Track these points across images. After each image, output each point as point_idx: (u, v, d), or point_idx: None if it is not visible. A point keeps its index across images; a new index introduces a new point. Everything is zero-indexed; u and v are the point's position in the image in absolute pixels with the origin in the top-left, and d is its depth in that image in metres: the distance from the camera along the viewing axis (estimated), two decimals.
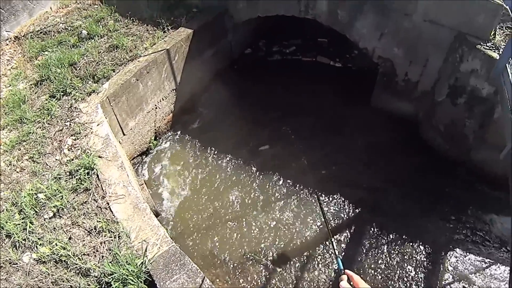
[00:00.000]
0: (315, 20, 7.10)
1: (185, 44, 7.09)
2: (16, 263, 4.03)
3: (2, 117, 5.79)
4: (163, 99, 7.08)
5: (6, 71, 6.79)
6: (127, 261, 3.82)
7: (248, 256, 5.64)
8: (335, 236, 5.84)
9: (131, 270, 3.73)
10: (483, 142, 5.92)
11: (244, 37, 8.97)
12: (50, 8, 8.11)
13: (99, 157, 5.02)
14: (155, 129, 7.18)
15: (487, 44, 5.51)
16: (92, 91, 5.99)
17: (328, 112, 7.62)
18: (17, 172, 5.01)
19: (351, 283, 1.84)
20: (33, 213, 4.44)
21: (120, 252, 3.96)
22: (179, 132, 7.53)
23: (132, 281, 3.69)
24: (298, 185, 6.48)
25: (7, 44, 7.38)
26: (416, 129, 7.11)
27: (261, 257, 5.62)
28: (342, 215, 6.10)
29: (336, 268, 5.39)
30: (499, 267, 5.45)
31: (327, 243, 5.73)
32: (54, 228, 4.33)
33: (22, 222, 4.35)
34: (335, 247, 2.37)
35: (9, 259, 4.06)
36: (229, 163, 6.90)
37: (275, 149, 7.07)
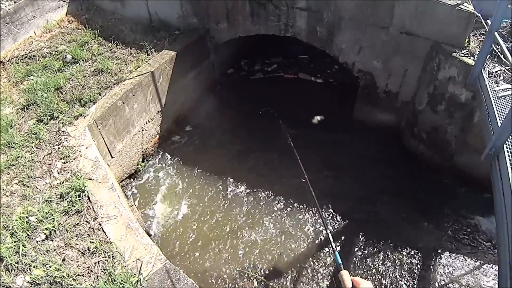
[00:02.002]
0: (295, 37, 7.29)
1: (169, 66, 7.19)
2: (10, 286, 3.97)
3: None
4: (149, 121, 7.13)
5: None
6: (122, 280, 3.82)
7: (241, 272, 5.65)
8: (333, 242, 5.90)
9: None
10: (465, 146, 6.10)
11: (226, 57, 9.11)
12: (34, 32, 8.13)
13: (89, 179, 5.02)
14: (142, 151, 7.20)
15: (463, 52, 5.75)
16: (79, 114, 6.00)
17: (312, 127, 7.75)
18: (7, 196, 4.95)
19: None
20: (25, 236, 4.39)
21: (115, 271, 3.95)
22: (166, 154, 7.55)
23: None
24: (288, 200, 6.56)
25: None
26: (400, 138, 7.29)
27: (254, 272, 5.63)
28: (332, 227, 6.17)
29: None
30: (488, 266, 5.59)
31: (326, 249, 5.79)
32: (47, 250, 4.28)
33: (14, 245, 4.29)
34: (332, 241, 2.40)
35: (2, 282, 3.99)
36: (216, 182, 6.94)
37: (265, 166, 7.15)
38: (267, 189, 6.76)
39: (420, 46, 6.15)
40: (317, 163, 6.97)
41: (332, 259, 5.69)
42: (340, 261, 2.07)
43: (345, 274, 1.86)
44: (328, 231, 2.43)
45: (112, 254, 4.17)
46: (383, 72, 6.81)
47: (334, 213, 6.33)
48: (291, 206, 6.49)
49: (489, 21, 5.46)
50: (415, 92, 6.70)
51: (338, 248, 5.92)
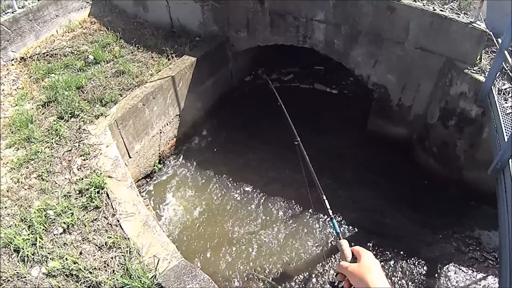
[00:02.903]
0: (312, 48, 7.43)
1: (189, 72, 7.35)
2: (25, 277, 4.06)
3: (9, 136, 5.88)
4: (167, 124, 7.28)
5: (11, 91, 6.91)
6: (138, 275, 3.93)
7: (253, 274, 5.75)
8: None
9: (143, 282, 3.84)
10: (474, 161, 6.16)
11: (243, 65, 9.26)
12: (56, 31, 8.32)
13: (109, 177, 5.16)
14: (159, 153, 7.34)
15: (474, 68, 5.84)
16: (100, 114, 6.16)
17: (327, 136, 7.86)
18: (25, 189, 5.07)
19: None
20: (42, 229, 4.49)
21: (131, 266, 4.06)
22: (182, 156, 7.70)
23: None
24: (300, 207, 6.68)
25: (13, 65, 7.53)
26: (410, 151, 7.38)
27: (265, 275, 5.73)
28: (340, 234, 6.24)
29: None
30: (491, 279, 5.65)
31: (335, 256, 5.89)
32: (64, 243, 4.39)
33: (31, 237, 4.39)
34: (328, 207, 2.20)
35: (17, 272, 4.08)
36: (230, 186, 7.08)
37: (278, 172, 7.27)
38: (281, 194, 6.88)
39: (434, 62, 6.25)
40: (328, 172, 7.06)
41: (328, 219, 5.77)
42: (338, 230, 1.90)
43: (344, 243, 1.68)
44: (324, 197, 2.26)
45: (129, 250, 4.27)
46: (397, 86, 6.91)
47: (342, 220, 6.44)
48: (302, 212, 6.60)
49: (499, 40, 5.56)
50: (427, 106, 6.79)
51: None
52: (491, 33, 5.74)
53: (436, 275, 5.74)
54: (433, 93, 6.57)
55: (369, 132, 7.81)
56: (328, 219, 5.10)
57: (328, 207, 2.16)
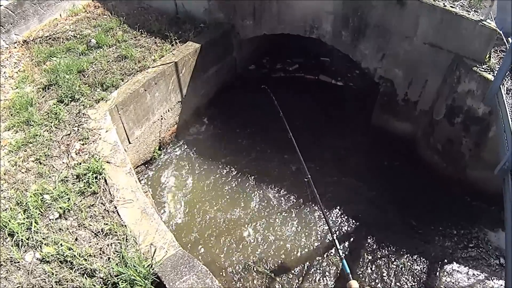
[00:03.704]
0: (319, 39, 7.32)
1: (192, 58, 7.25)
2: (18, 262, 4.00)
3: (9, 118, 5.82)
4: (168, 111, 7.20)
5: (13, 73, 6.83)
6: (134, 263, 3.87)
7: (250, 265, 5.71)
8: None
9: (139, 271, 3.77)
10: (479, 160, 6.10)
11: (248, 54, 9.16)
12: (60, 15, 8.21)
13: (107, 162, 5.09)
14: (159, 140, 7.28)
15: (483, 67, 5.76)
16: (100, 98, 6.08)
17: (330, 129, 7.79)
18: (22, 172, 5.01)
19: None
20: (38, 213, 4.43)
21: (127, 254, 4.00)
22: (183, 144, 7.63)
23: (140, 282, 3.73)
24: (300, 199, 6.61)
25: (15, 47, 7.44)
26: (415, 147, 7.29)
27: (263, 267, 5.69)
28: (341, 230, 6.21)
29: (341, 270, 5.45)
30: (493, 281, 5.61)
31: (332, 251, 5.84)
32: (60, 229, 4.34)
33: (27, 222, 4.33)
34: (339, 247, 2.26)
35: (11, 257, 4.03)
36: (230, 175, 7.01)
37: (278, 164, 7.21)
38: (281, 185, 6.83)
39: (442, 58, 6.16)
40: (330, 166, 7.04)
41: (338, 260, 5.74)
42: (348, 270, 1.99)
43: (354, 284, 1.75)
44: (336, 238, 2.27)
45: (126, 238, 4.21)
46: (404, 81, 6.82)
47: (344, 215, 6.40)
48: (303, 205, 6.55)
49: (510, 39, 5.54)
50: (433, 102, 6.70)
51: (345, 252, 5.94)
52: (501, 32, 5.65)
53: (438, 273, 5.70)
54: (440, 90, 6.47)
55: (373, 127, 7.72)
56: (338, 259, 5.02)
57: (339, 247, 2.18)
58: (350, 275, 1.85)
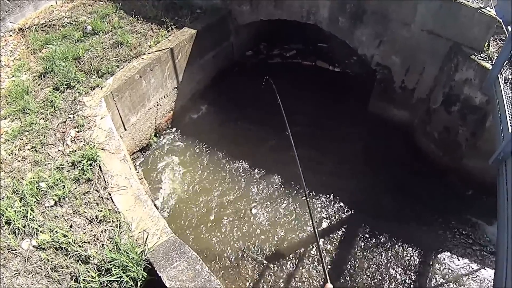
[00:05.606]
0: (316, 25, 7.26)
1: (188, 44, 7.21)
2: (15, 249, 4.06)
3: (5, 107, 5.83)
4: (164, 97, 7.19)
5: (9, 62, 6.83)
6: (127, 249, 3.91)
7: (243, 252, 5.76)
8: (323, 239, 5.97)
9: (131, 258, 3.82)
10: (475, 149, 6.07)
11: (245, 40, 9.11)
12: (55, 2, 8.18)
13: (102, 149, 5.11)
14: (155, 126, 7.29)
15: (481, 55, 5.71)
16: (96, 85, 6.08)
17: (327, 116, 7.76)
18: (19, 161, 5.05)
19: None
20: (34, 201, 4.49)
21: (121, 241, 4.05)
22: (179, 130, 7.64)
23: (132, 268, 3.78)
24: (295, 186, 6.61)
25: (11, 35, 7.42)
26: (411, 136, 7.27)
27: (256, 253, 5.74)
28: (335, 218, 6.24)
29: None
30: (486, 269, 5.63)
31: (326, 237, 5.89)
32: (55, 216, 4.39)
33: (23, 209, 4.38)
34: (323, 254, 2.29)
35: (8, 245, 4.09)
36: (227, 162, 7.03)
37: (275, 150, 7.18)
38: (276, 172, 6.85)
39: (440, 45, 6.12)
40: (326, 153, 7.03)
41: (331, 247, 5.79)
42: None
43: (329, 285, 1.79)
44: (322, 249, 2.31)
45: (119, 224, 4.26)
46: (401, 68, 6.78)
47: (340, 203, 6.41)
48: (297, 191, 6.56)
49: (509, 28, 5.43)
50: (430, 90, 6.67)
51: (340, 240, 5.97)
52: (501, 20, 5.56)
53: (431, 261, 5.73)
54: (437, 78, 6.44)
55: (370, 114, 7.70)
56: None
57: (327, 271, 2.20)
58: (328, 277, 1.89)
